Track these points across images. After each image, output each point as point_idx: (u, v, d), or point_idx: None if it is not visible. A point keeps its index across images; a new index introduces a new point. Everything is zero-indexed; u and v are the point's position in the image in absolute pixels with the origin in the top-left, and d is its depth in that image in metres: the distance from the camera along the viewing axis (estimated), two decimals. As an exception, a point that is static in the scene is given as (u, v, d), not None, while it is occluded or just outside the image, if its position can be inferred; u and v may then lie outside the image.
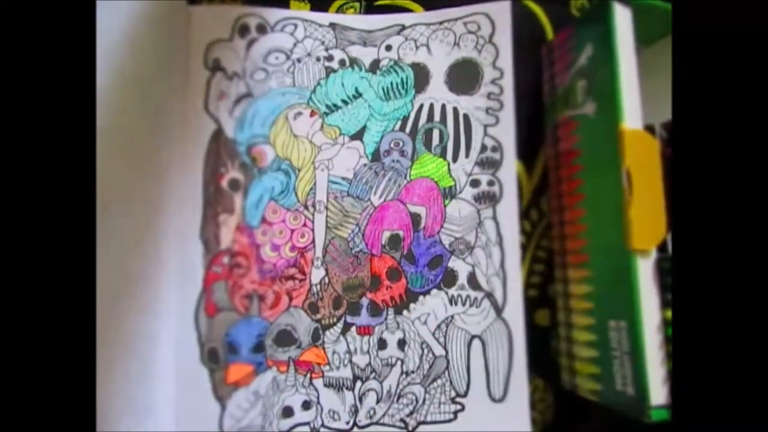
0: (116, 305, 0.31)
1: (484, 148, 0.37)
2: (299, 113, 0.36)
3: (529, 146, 0.39)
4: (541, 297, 0.37)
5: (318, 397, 0.34)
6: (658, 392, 0.29)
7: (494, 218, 0.36)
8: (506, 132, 0.37)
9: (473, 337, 0.35)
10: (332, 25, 0.37)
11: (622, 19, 0.32)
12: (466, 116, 0.37)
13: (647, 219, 0.31)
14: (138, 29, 0.32)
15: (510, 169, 0.37)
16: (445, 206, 0.36)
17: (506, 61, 0.38)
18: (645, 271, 0.30)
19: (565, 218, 0.36)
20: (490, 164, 0.37)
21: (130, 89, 0.31)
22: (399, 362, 0.35)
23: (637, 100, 0.32)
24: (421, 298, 0.36)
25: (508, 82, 0.38)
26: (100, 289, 0.28)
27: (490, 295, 0.36)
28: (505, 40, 0.38)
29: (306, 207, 0.35)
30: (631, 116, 0.32)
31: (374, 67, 0.37)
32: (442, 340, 0.36)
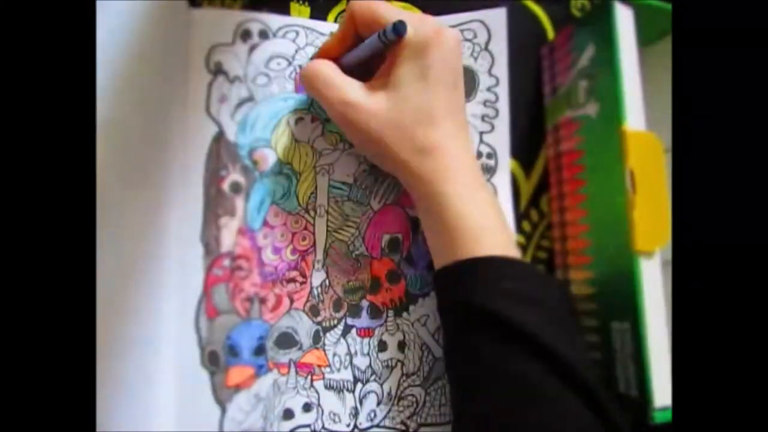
0: (116, 307, 0.31)
1: (479, 154, 0.37)
2: (300, 119, 0.36)
3: (528, 146, 0.39)
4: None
5: (319, 400, 0.34)
6: (661, 394, 0.29)
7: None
8: (501, 139, 0.38)
9: (474, 339, 0.35)
10: (333, 34, 0.37)
11: (624, 20, 0.32)
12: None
13: (651, 220, 0.30)
14: (139, 31, 0.32)
15: (505, 175, 0.37)
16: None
17: (502, 69, 0.38)
18: (648, 273, 0.30)
19: (567, 219, 0.36)
20: (486, 170, 0.37)
21: (130, 91, 0.31)
22: (399, 364, 0.35)
23: (640, 101, 0.32)
24: (420, 300, 0.36)
25: (503, 89, 0.38)
26: (100, 292, 0.28)
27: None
28: (500, 47, 0.38)
29: (307, 210, 0.35)
30: (634, 117, 0.32)
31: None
32: (441, 341, 0.36)
